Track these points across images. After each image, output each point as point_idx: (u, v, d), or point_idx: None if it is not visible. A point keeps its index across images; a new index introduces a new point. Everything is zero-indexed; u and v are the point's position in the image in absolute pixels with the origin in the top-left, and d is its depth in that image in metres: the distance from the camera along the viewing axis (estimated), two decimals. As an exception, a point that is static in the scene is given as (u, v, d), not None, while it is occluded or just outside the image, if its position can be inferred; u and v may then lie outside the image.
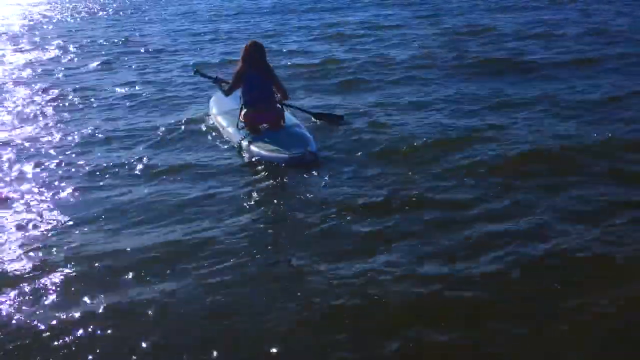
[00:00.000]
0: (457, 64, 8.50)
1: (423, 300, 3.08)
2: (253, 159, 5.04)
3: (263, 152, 4.94)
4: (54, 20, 22.61)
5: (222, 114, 6.00)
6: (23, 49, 15.10)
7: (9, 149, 6.06)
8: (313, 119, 5.87)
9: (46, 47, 14.94)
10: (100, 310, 3.12)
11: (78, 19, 22.32)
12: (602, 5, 14.91)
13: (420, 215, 4.03)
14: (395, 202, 4.21)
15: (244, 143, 5.14)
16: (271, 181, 4.71)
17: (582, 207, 3.89)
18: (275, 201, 4.43)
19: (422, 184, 4.49)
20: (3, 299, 3.27)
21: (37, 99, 8.65)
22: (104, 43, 14.83)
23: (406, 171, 4.71)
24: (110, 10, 24.62)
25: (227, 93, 5.59)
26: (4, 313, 3.16)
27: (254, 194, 4.54)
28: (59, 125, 6.95)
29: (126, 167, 5.29)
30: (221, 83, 5.72)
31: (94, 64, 11.58)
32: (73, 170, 5.30)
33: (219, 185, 4.69)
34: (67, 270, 3.54)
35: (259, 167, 4.98)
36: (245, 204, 4.35)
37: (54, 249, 3.81)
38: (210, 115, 6.30)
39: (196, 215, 4.21)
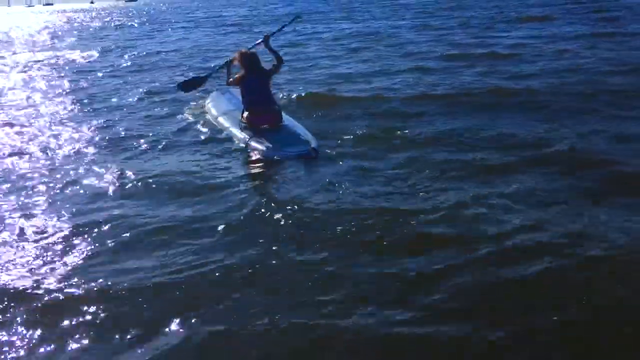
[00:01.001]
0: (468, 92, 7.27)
1: (416, 297, 2.87)
2: (259, 157, 5.34)
3: (270, 150, 5.31)
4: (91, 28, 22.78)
5: (222, 114, 6.41)
6: (46, 54, 15.17)
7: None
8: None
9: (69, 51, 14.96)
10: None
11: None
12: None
13: (416, 213, 3.81)
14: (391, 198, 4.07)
15: (251, 142, 5.51)
16: (277, 176, 4.90)
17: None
18: (281, 195, 4.44)
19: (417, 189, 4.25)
20: None
21: (39, 100, 8.61)
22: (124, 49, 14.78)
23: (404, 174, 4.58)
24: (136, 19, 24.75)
25: (229, 83, 6.06)
26: None
27: (261, 190, 4.65)
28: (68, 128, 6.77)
29: (133, 164, 5.33)
30: (230, 66, 6.10)
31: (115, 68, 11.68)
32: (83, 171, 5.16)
33: (227, 183, 4.71)
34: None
35: (265, 164, 5.18)
36: (253, 200, 4.34)
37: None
38: (209, 116, 6.68)
39: (206, 210, 4.12)
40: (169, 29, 23.82)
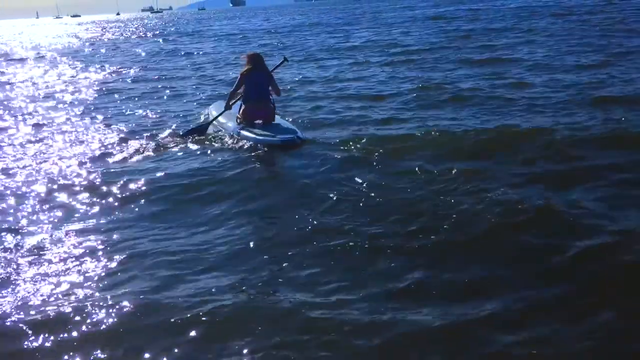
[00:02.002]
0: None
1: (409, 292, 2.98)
2: (249, 144, 5.98)
3: (259, 137, 5.93)
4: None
5: (221, 116, 6.88)
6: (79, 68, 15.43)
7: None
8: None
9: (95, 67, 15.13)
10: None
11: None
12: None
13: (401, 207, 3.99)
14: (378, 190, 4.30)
15: (242, 132, 6.14)
16: (265, 164, 5.53)
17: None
18: (269, 182, 4.99)
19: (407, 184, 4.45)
20: None
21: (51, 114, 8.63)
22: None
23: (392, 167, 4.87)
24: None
25: (232, 96, 6.47)
26: None
27: (250, 176, 5.13)
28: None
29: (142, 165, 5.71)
30: (222, 113, 6.65)
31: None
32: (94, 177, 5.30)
33: (218, 173, 5.23)
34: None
35: (255, 151, 5.79)
36: (242, 185, 4.83)
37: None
38: (211, 117, 7.13)
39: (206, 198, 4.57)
40: (190, 43, 24.12)
